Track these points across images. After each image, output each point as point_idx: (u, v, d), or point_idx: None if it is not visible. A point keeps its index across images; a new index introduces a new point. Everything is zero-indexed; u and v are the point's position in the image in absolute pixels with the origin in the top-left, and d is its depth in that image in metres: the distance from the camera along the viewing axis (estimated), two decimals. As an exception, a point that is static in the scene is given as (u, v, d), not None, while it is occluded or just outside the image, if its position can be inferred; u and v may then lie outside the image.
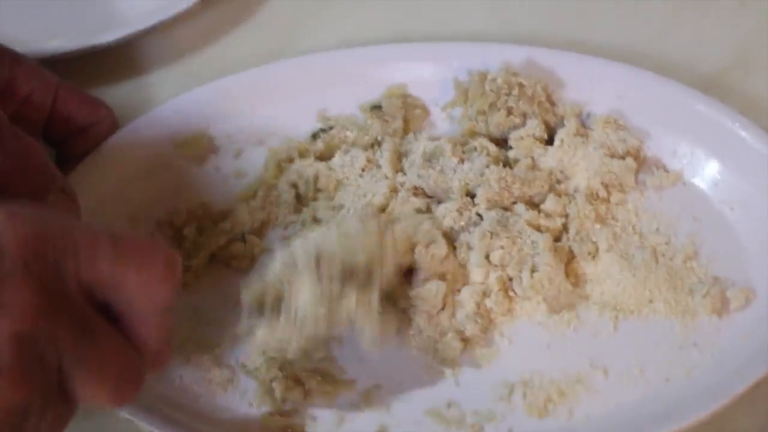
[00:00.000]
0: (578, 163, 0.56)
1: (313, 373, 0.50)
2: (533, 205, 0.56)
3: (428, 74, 0.63)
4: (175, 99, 0.64)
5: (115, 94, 0.65)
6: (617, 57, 0.64)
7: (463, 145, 0.58)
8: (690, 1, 0.72)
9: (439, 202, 0.56)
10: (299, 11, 0.75)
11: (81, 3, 0.77)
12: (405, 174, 0.58)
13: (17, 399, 0.34)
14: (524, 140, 0.57)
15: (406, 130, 0.61)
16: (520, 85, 0.59)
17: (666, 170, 0.57)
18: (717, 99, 0.59)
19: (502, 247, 0.52)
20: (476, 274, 0.52)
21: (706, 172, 0.56)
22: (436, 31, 0.71)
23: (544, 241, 0.52)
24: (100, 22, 0.72)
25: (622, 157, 0.56)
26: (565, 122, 0.58)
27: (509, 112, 0.58)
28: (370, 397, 0.50)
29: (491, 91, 0.59)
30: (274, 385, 0.49)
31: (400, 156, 0.59)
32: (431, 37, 0.69)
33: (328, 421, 0.50)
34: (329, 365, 0.52)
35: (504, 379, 0.49)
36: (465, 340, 0.50)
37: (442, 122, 0.62)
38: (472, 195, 0.55)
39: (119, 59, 0.70)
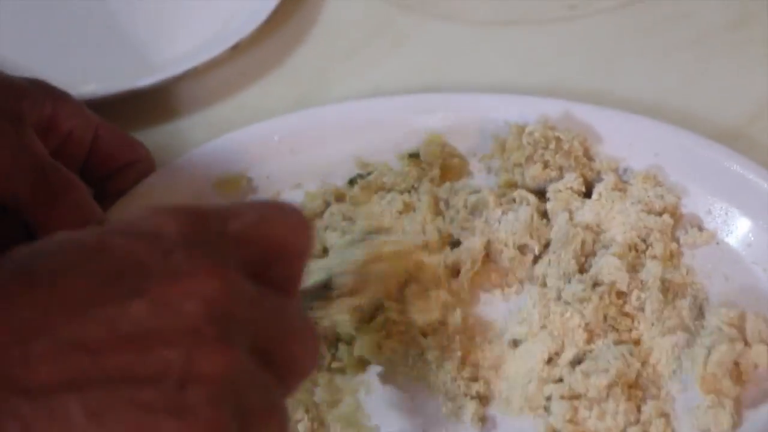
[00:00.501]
0: (615, 217, 0.57)
1: (338, 417, 0.51)
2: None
3: (467, 125, 0.64)
4: (214, 140, 0.66)
5: (149, 138, 0.67)
6: (642, 108, 0.65)
7: (501, 196, 0.59)
8: (717, 52, 0.73)
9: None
10: (330, 58, 0.77)
11: (115, 48, 0.81)
12: (444, 220, 0.59)
13: (224, 364, 0.34)
14: (562, 193, 0.58)
15: (443, 179, 0.62)
16: (557, 139, 0.60)
17: (700, 228, 0.57)
18: (744, 151, 0.60)
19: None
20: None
21: (739, 232, 0.57)
22: (466, 81, 0.73)
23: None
24: (134, 68, 0.75)
25: (659, 214, 0.57)
26: (603, 176, 0.59)
27: (545, 165, 0.59)
28: (394, 445, 0.50)
29: (528, 144, 0.59)
30: (300, 426, 0.50)
31: (437, 200, 0.60)
32: (461, 87, 0.71)
33: (351, 466, 0.51)
34: (355, 410, 0.53)
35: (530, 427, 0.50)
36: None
37: (479, 172, 0.63)
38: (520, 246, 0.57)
39: (153, 104, 0.72)
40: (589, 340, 0.52)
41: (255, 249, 0.39)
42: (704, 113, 0.66)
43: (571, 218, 0.58)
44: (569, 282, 0.54)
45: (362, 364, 0.55)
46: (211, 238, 0.37)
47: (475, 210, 0.58)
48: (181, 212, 0.37)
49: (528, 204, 0.58)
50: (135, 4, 0.85)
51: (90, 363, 0.32)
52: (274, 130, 0.65)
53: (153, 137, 0.69)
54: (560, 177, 0.59)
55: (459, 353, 0.53)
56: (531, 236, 0.56)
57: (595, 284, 0.54)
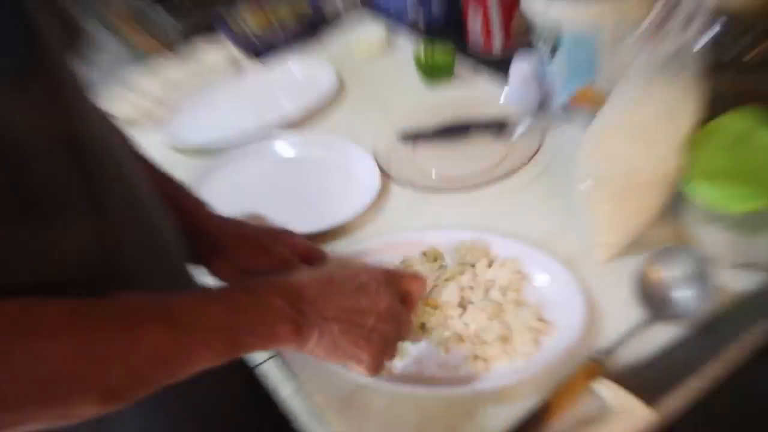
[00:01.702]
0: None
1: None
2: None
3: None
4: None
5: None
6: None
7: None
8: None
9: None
10: (392, 226, 1.29)
11: (311, 206, 1.38)
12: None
13: (393, 326, 0.87)
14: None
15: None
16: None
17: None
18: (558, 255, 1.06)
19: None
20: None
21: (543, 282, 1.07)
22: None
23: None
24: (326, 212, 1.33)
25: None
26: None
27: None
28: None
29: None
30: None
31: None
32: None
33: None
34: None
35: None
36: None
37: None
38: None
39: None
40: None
41: (402, 290, 0.90)
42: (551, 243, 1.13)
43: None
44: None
45: (421, 330, 1.02)
46: (389, 282, 0.88)
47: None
48: (379, 269, 0.90)
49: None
50: (327, 178, 1.45)
51: (344, 313, 0.84)
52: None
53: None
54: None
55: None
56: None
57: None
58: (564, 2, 1.22)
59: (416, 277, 0.93)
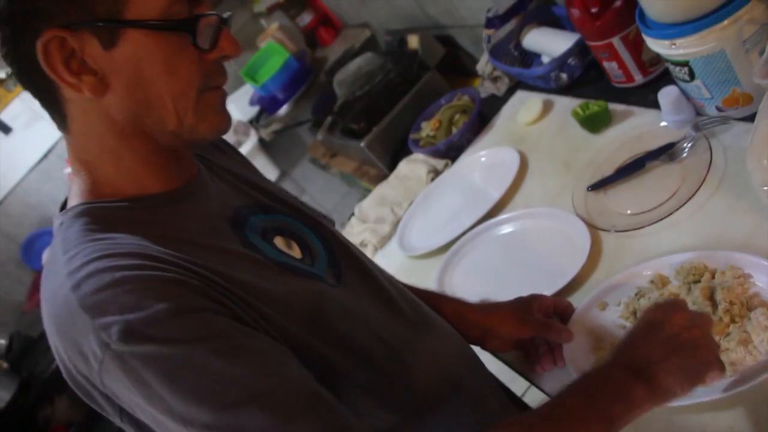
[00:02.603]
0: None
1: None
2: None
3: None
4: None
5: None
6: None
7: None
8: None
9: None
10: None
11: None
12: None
13: (702, 330, 0.90)
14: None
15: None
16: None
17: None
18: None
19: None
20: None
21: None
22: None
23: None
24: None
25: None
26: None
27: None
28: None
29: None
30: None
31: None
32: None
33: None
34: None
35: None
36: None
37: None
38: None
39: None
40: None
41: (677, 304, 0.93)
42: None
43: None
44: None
45: None
46: (666, 305, 0.93)
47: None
48: (653, 305, 0.94)
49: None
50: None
51: (666, 346, 0.86)
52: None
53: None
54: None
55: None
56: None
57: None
58: (683, 40, 1.22)
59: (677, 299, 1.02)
